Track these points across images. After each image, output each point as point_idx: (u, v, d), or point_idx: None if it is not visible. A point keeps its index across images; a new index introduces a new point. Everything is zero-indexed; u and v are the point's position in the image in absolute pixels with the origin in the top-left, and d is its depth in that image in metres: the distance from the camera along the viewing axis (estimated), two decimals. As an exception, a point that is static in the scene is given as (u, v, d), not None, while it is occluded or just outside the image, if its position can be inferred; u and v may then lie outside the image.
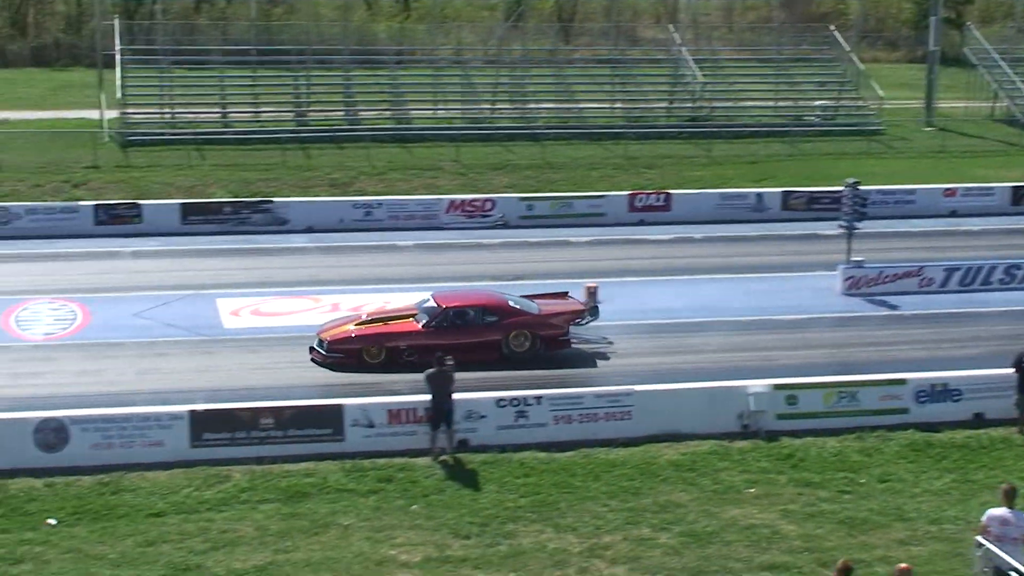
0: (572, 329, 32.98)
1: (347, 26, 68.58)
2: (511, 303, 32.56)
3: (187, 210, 44.73)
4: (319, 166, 52.35)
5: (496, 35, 70.80)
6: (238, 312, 35.64)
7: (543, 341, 32.23)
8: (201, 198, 46.65)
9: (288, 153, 53.14)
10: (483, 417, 27.18)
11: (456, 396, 26.61)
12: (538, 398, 27.50)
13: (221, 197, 46.96)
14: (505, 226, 46.31)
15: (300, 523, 23.78)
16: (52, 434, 25.86)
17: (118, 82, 57.36)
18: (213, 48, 63.67)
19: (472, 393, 27.39)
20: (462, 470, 25.96)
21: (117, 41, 58.84)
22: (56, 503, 24.44)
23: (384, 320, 32.50)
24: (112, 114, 57.03)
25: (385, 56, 65.93)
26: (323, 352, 31.80)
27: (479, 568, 22.04)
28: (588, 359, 32.49)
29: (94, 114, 58.16)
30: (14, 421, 26.06)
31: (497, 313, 32.12)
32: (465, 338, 31.56)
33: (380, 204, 46.23)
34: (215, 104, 59.94)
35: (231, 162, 52.36)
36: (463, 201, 47.02)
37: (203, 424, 26.39)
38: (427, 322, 31.92)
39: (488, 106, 63.25)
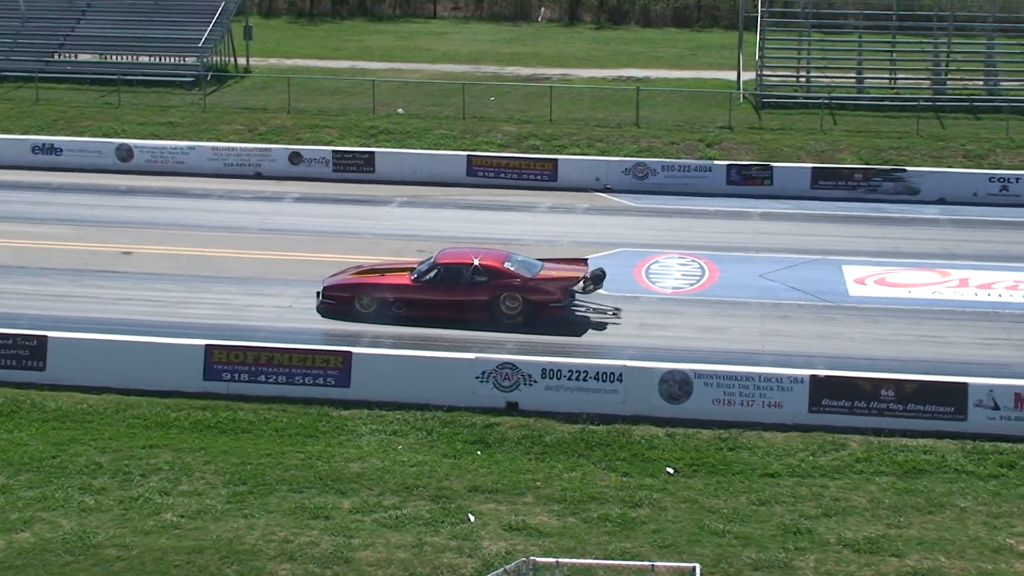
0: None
1: (993, -8, 66.01)
2: (506, 265, 31.76)
3: (818, 175, 44.67)
4: (954, 136, 50.76)
5: None
6: (863, 280, 35.31)
7: (533, 306, 31.51)
8: (831, 163, 46.43)
9: (922, 121, 51.88)
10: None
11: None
12: None
13: (851, 163, 46.61)
14: None
15: (914, 500, 23.44)
16: (677, 386, 26.73)
17: (756, 44, 58.09)
18: (852, 12, 63.17)
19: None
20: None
21: (759, 3, 59.53)
22: (675, 453, 25.31)
23: (382, 271, 33.02)
24: (748, 76, 57.83)
25: (1031, 24, 62.92)
26: (320, 297, 32.58)
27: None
28: None
29: (730, 75, 59.15)
30: (642, 370, 27.12)
31: (487, 274, 31.70)
32: (452, 296, 31.70)
33: (1018, 179, 44.17)
34: (851, 69, 59.43)
35: (863, 128, 51.73)
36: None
37: (823, 390, 26.45)
38: (417, 277, 31.85)
39: None
